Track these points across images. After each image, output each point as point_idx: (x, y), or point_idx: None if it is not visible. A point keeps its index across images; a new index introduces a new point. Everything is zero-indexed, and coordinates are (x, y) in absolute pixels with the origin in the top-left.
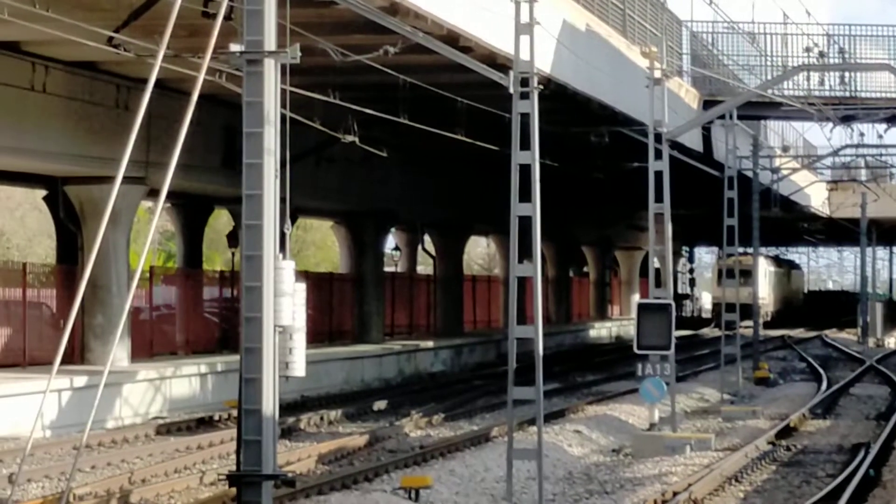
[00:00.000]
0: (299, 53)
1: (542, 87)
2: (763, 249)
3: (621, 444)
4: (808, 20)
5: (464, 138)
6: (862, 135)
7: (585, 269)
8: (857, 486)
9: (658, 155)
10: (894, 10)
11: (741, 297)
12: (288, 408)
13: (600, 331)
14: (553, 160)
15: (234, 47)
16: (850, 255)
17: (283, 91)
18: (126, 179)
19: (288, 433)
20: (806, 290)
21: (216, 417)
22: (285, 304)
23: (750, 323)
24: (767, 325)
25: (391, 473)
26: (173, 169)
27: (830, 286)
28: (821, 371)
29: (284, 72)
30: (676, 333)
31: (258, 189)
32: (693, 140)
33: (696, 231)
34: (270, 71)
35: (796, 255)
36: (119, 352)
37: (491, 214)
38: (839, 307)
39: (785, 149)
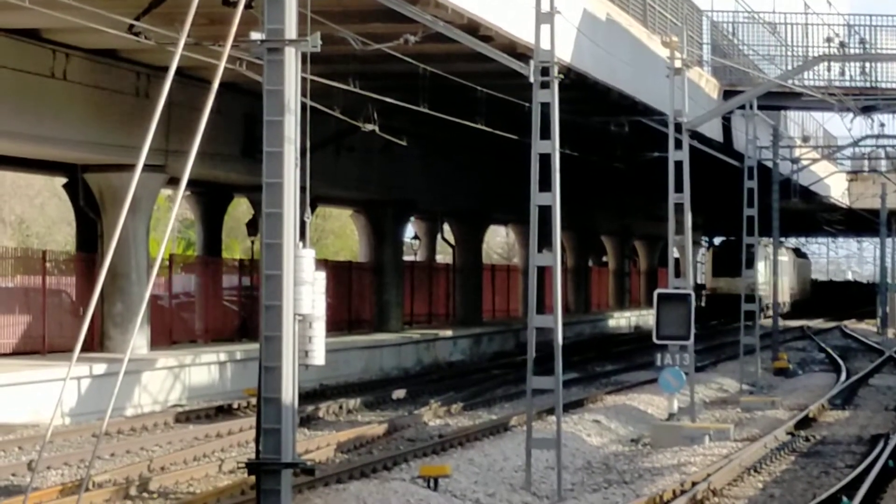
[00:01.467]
0: (320, 42)
1: (562, 76)
2: (781, 240)
3: (640, 434)
4: (829, 10)
5: (484, 127)
6: (882, 125)
7: (605, 258)
8: (876, 477)
9: (678, 145)
10: None
11: (740, 287)
12: (307, 396)
13: (619, 320)
14: (573, 150)
15: (255, 35)
16: (869, 245)
17: (304, 79)
18: (146, 167)
19: (307, 421)
20: (814, 280)
21: (235, 405)
22: (305, 293)
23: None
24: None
25: (410, 462)
26: (193, 157)
27: (850, 277)
28: (840, 362)
29: (305, 60)
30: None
31: (278, 177)
32: (713, 130)
33: (717, 221)
34: (291, 59)
35: (815, 245)
36: (138, 340)
37: (510, 203)
38: (850, 299)
39: (805, 139)
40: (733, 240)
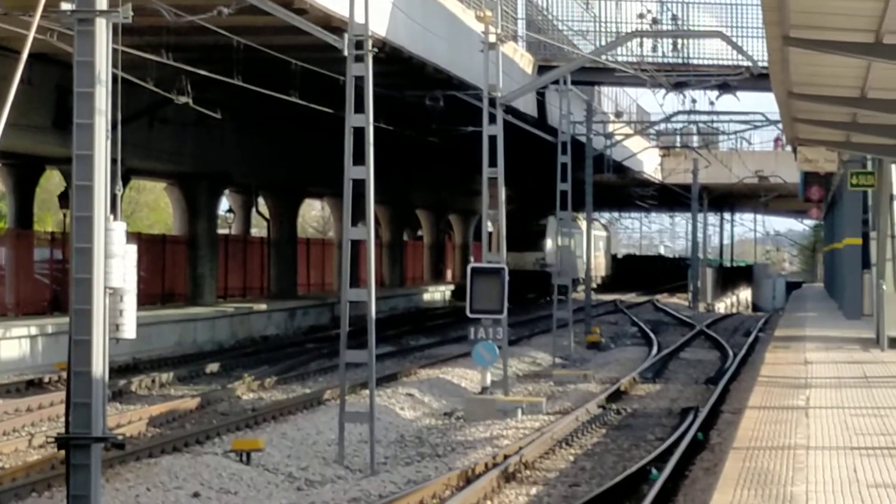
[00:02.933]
0: (131, 13)
1: (376, 50)
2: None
3: (453, 408)
4: None
5: (298, 101)
6: (694, 101)
7: (420, 232)
8: (685, 450)
9: (492, 119)
10: None
11: (528, 263)
12: (119, 370)
13: (434, 294)
14: (388, 124)
15: (65, 6)
16: (681, 220)
17: (115, 51)
18: None
19: (119, 396)
20: (616, 255)
21: (46, 379)
22: (116, 266)
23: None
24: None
25: (223, 436)
26: (3, 128)
27: (662, 251)
28: (651, 335)
29: (116, 31)
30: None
31: (89, 150)
32: (527, 105)
33: (531, 196)
34: (102, 30)
35: (629, 220)
36: None
37: (325, 177)
38: (656, 273)
39: (618, 114)
40: (517, 213)
